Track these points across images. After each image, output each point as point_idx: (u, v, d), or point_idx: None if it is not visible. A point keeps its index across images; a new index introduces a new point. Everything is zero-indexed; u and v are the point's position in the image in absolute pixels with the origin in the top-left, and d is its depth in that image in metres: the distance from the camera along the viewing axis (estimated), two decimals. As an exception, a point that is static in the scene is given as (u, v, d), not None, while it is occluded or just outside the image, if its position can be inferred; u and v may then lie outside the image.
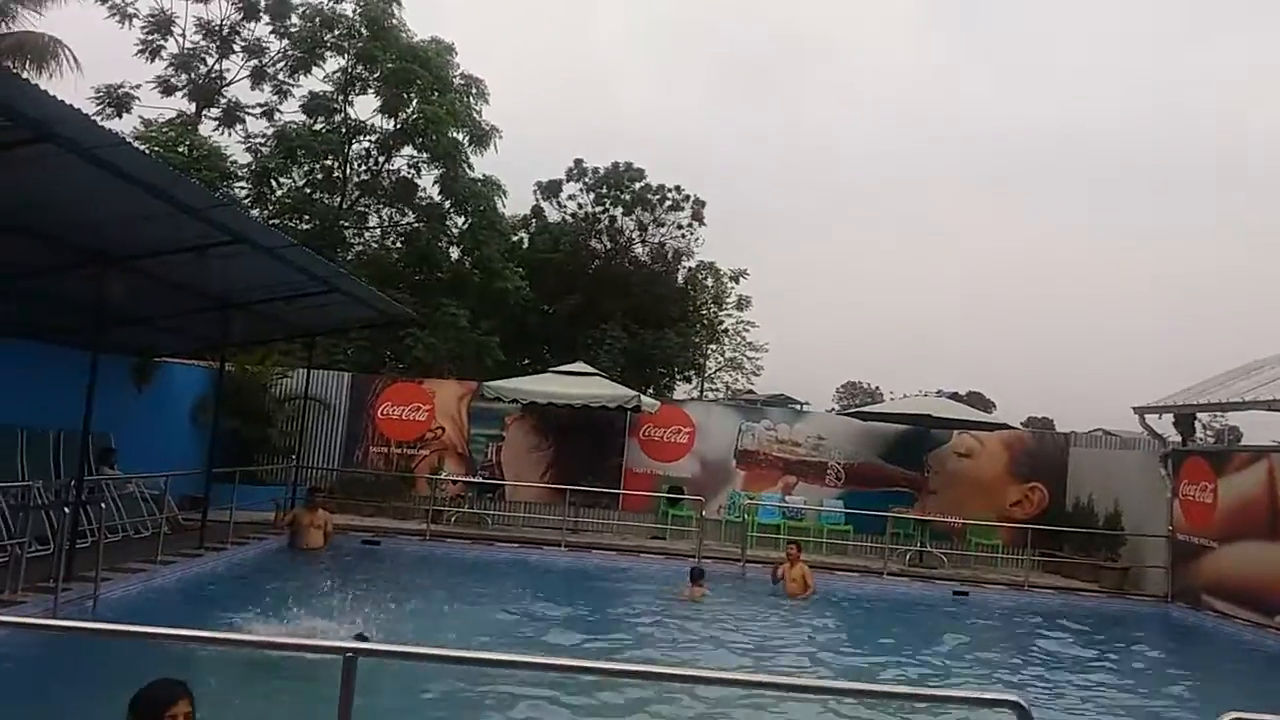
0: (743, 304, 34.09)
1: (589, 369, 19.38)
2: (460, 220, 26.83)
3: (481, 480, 18.60)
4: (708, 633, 11.30)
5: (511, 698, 7.43)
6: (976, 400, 37.66)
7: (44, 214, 8.51)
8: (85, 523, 10.10)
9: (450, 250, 27.25)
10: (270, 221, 22.65)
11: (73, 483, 10.23)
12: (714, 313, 34.17)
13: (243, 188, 24.80)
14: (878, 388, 59.56)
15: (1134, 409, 16.29)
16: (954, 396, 25.88)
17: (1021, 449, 19.37)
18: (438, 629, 10.09)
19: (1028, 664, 11.05)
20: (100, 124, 6.98)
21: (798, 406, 26.57)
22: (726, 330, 35.08)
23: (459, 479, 18.51)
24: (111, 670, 6.78)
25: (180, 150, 22.77)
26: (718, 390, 36.63)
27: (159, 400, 15.79)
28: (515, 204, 29.36)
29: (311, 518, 14.01)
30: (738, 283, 33.44)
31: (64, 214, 8.60)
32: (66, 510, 9.41)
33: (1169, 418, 16.32)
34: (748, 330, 35.35)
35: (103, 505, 10.63)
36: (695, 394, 34.10)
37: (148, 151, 9.39)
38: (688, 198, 31.81)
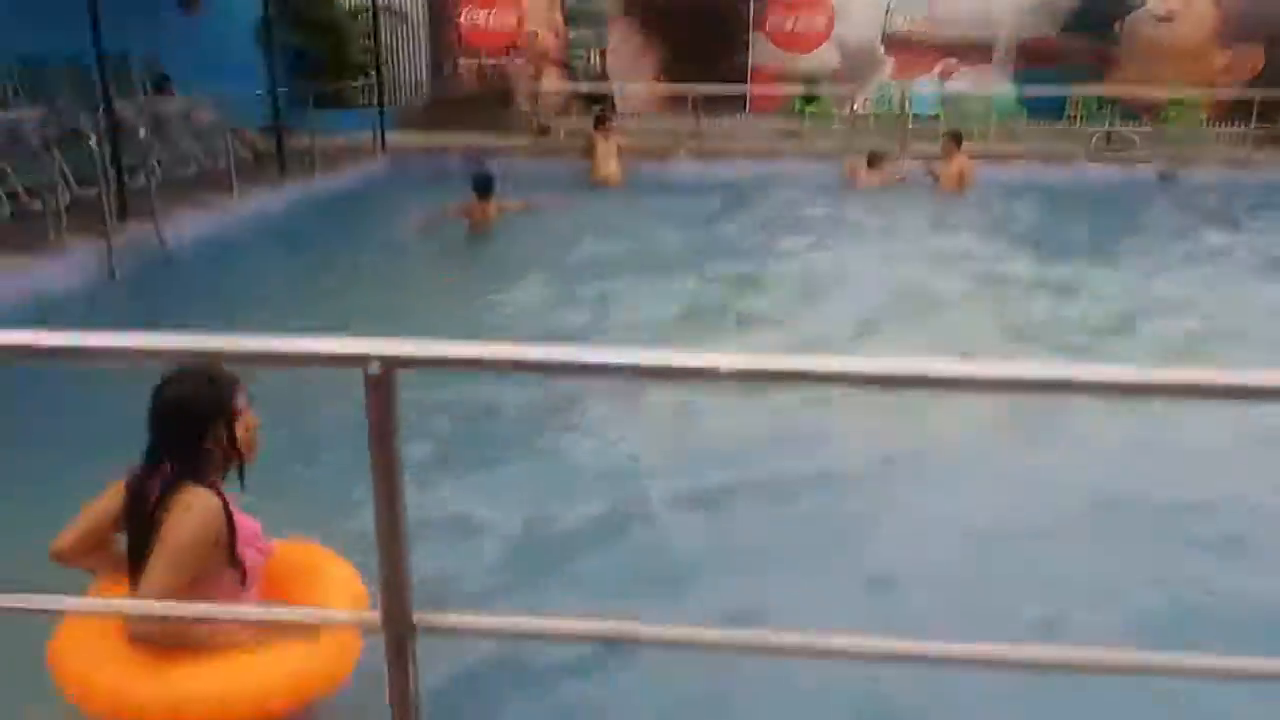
0: None
1: (702, -50, 16.16)
2: None
3: (587, 89, 16.43)
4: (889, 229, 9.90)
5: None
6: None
7: None
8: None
9: None
10: None
11: (109, 106, 8.45)
12: None
13: None
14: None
15: None
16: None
17: (1234, 3, 15.78)
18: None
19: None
20: None
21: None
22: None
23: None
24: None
25: None
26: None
27: (214, 21, 13.68)
28: None
29: (604, 145, 12.23)
30: None
31: None
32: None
33: None
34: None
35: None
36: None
37: None
38: None
